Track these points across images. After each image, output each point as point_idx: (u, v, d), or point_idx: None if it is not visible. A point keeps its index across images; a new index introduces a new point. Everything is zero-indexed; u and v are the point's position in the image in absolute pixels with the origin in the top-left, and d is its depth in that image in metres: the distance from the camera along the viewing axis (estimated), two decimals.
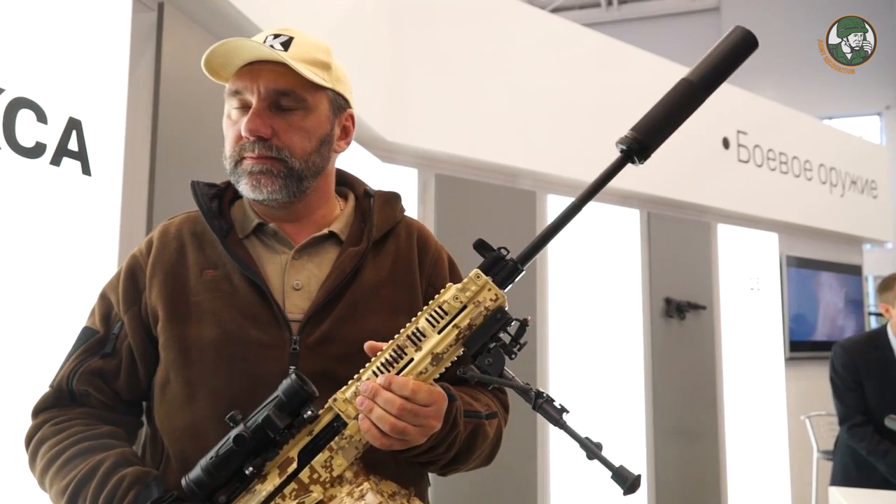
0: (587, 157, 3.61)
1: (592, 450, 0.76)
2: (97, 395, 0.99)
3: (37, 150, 1.30)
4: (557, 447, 3.47)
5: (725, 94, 4.68)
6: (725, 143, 4.50)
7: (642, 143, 0.82)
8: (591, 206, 3.81)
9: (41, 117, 1.30)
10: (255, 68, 0.99)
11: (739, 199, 4.53)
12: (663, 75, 4.07)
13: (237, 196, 1.09)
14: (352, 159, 2.80)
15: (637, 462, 3.87)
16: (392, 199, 1.13)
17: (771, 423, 4.67)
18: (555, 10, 10.36)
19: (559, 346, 3.62)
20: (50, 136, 1.33)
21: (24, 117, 1.27)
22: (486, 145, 3.34)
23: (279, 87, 0.98)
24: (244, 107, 0.99)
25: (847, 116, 11.51)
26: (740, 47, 0.83)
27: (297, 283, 1.00)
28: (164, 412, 0.97)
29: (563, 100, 3.64)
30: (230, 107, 1.01)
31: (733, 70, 0.82)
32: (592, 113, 3.72)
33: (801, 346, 4.98)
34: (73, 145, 1.38)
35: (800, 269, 5.07)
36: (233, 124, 1.00)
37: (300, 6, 2.31)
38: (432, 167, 3.29)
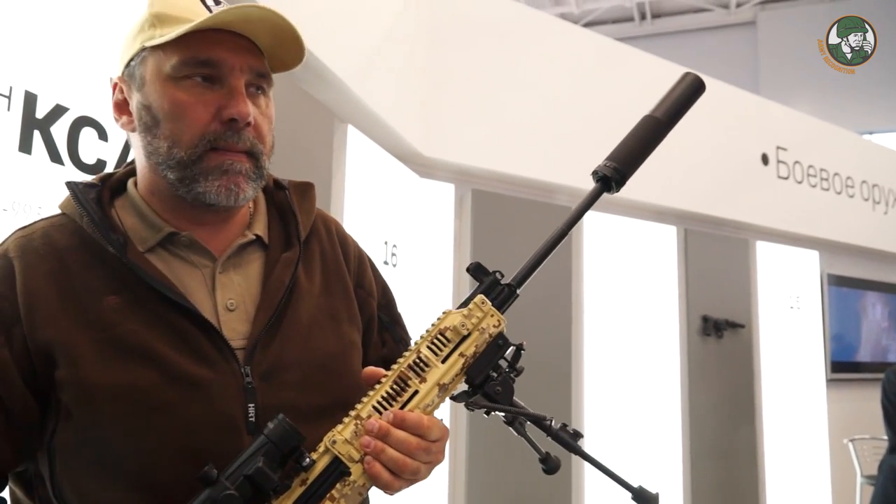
0: None
1: (610, 472, 0.77)
2: None
3: (98, 167, 1.35)
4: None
5: (764, 110, 4.63)
6: (764, 160, 4.44)
7: (621, 172, 0.87)
8: (627, 223, 3.75)
9: (102, 135, 1.36)
10: (232, 41, 0.80)
11: (779, 216, 4.46)
12: None
13: (114, 195, 0.86)
14: (389, 174, 2.84)
15: (673, 483, 3.81)
16: (307, 189, 0.95)
17: (812, 446, 4.56)
18: (587, 25, 10.36)
19: (594, 364, 3.59)
20: (110, 152, 1.38)
21: (87, 135, 1.33)
22: (523, 160, 3.35)
23: (260, 68, 0.83)
24: (211, 82, 0.80)
25: (888, 131, 11.26)
26: (693, 89, 0.92)
27: (231, 302, 0.82)
28: (76, 482, 0.76)
29: (598, 115, 3.64)
30: (188, 78, 0.79)
31: (688, 109, 0.92)
32: (627, 128, 3.69)
33: (843, 367, 4.86)
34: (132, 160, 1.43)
35: (841, 287, 4.96)
36: (196, 102, 0.79)
37: (339, 23, 2.36)
38: (469, 182, 3.31)
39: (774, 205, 4.44)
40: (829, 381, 4.72)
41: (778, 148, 4.53)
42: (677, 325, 3.94)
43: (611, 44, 3.88)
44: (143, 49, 0.81)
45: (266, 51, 0.84)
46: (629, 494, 0.75)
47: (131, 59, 0.83)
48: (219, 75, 0.80)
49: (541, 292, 3.35)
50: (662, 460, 3.78)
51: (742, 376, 4.22)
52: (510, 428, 0.79)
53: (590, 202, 0.87)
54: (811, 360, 4.67)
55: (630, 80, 3.82)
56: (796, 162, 4.63)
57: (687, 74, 0.93)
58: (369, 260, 1.00)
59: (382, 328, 0.97)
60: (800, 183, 4.64)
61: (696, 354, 3.97)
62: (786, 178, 4.55)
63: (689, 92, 0.92)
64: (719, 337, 4.06)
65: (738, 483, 4.11)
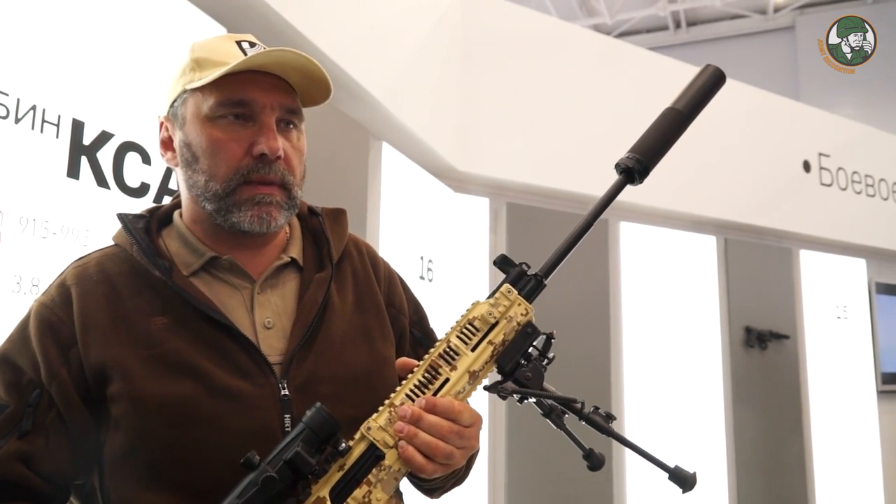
0: (659, 182, 3.55)
1: (646, 454, 0.78)
2: (19, 486, 0.80)
3: (141, 190, 1.40)
4: (633, 462, 3.38)
5: (804, 116, 4.53)
6: (806, 167, 4.35)
7: (643, 163, 0.91)
8: (664, 233, 3.69)
9: (146, 159, 1.41)
10: (264, 80, 0.87)
11: (823, 224, 4.36)
12: (735, 98, 3.98)
13: (162, 225, 0.94)
14: (424, 190, 2.86)
15: (719, 499, 3.72)
16: (339, 215, 1.02)
17: (863, 461, 4.41)
18: (621, 35, 10.30)
19: (635, 378, 3.54)
20: (153, 176, 1.43)
21: (131, 160, 1.38)
22: (558, 173, 3.35)
23: (290, 105, 0.89)
24: (244, 120, 0.86)
25: None
26: (714, 81, 0.96)
27: (269, 320, 0.88)
28: (122, 489, 0.81)
29: (633, 125, 3.60)
30: (223, 117, 0.86)
31: (709, 101, 0.95)
32: None
33: (894, 379, 4.70)
34: (173, 185, 1.48)
35: (890, 296, 4.81)
36: (230, 139, 0.85)
37: (372, 42, 2.40)
38: (504, 196, 3.32)
39: (818, 212, 4.34)
40: (880, 392, 4.57)
41: (820, 154, 4.43)
42: (719, 336, 3.87)
43: (645, 54, 3.86)
44: (185, 91, 0.88)
45: (297, 87, 0.91)
46: (665, 475, 0.76)
47: (174, 101, 0.90)
48: (251, 113, 0.86)
49: (579, 306, 3.33)
50: (708, 476, 3.69)
51: (788, 389, 4.11)
52: (548, 421, 0.80)
53: (613, 193, 0.90)
54: (860, 372, 4.53)
55: (665, 89, 3.77)
56: (840, 168, 4.52)
57: (707, 66, 0.96)
58: (400, 278, 1.05)
59: (416, 343, 1.01)
60: (844, 189, 4.53)
61: (740, 367, 3.88)
62: (829, 185, 4.45)
63: (710, 83, 0.95)
64: (763, 348, 3.97)
65: (787, 499, 3.99)
